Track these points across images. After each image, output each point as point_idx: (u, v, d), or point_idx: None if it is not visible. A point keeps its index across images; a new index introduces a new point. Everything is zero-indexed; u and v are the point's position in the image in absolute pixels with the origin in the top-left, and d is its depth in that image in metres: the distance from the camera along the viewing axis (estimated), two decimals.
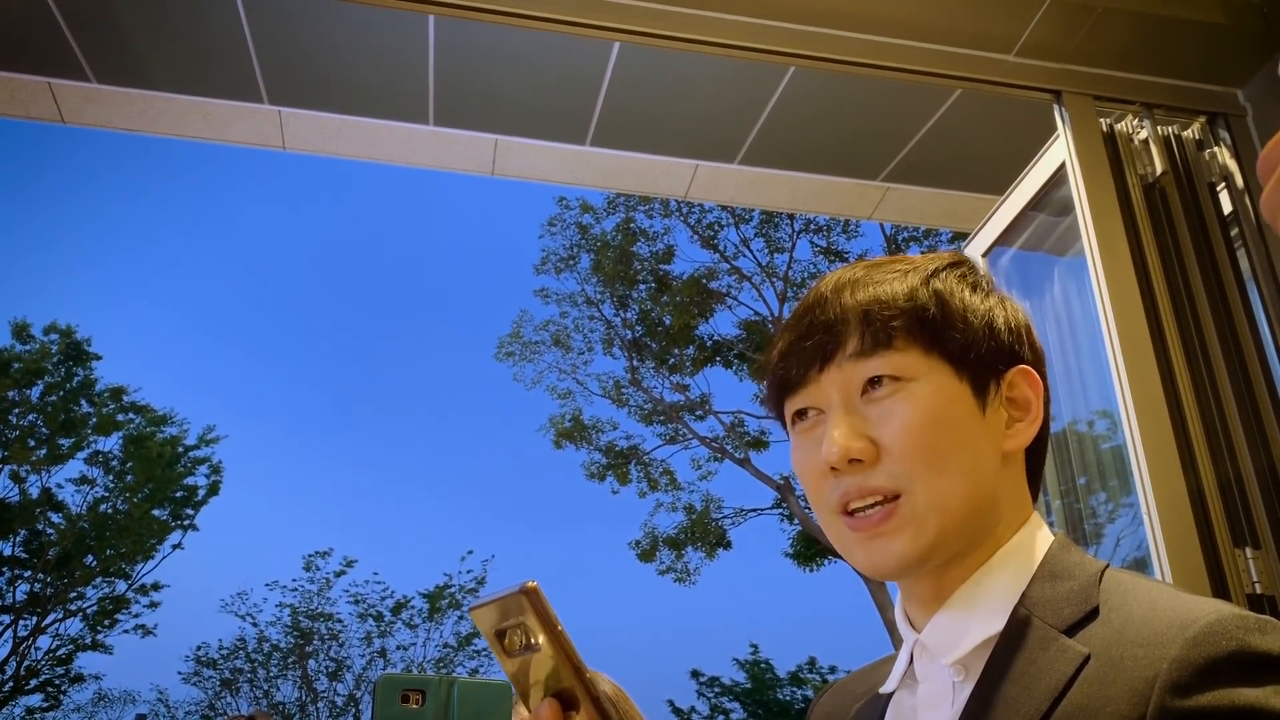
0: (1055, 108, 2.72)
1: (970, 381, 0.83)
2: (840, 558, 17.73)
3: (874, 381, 0.81)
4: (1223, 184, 2.69)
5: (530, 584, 0.69)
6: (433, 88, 3.09)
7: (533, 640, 0.70)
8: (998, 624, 0.78)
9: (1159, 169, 2.61)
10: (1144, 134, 2.68)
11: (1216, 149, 2.73)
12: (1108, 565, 0.80)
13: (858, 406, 0.82)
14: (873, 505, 0.80)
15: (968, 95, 3.09)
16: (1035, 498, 0.89)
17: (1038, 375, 0.87)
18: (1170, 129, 2.74)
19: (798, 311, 0.89)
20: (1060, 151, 2.67)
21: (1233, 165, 2.69)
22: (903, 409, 0.80)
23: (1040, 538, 0.84)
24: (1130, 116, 2.73)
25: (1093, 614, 0.74)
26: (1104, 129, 2.68)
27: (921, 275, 0.86)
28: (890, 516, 0.79)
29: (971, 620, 0.80)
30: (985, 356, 0.84)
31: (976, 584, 0.81)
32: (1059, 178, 2.71)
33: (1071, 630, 0.74)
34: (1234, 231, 2.63)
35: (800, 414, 0.86)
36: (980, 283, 0.89)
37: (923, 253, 0.94)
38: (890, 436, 0.80)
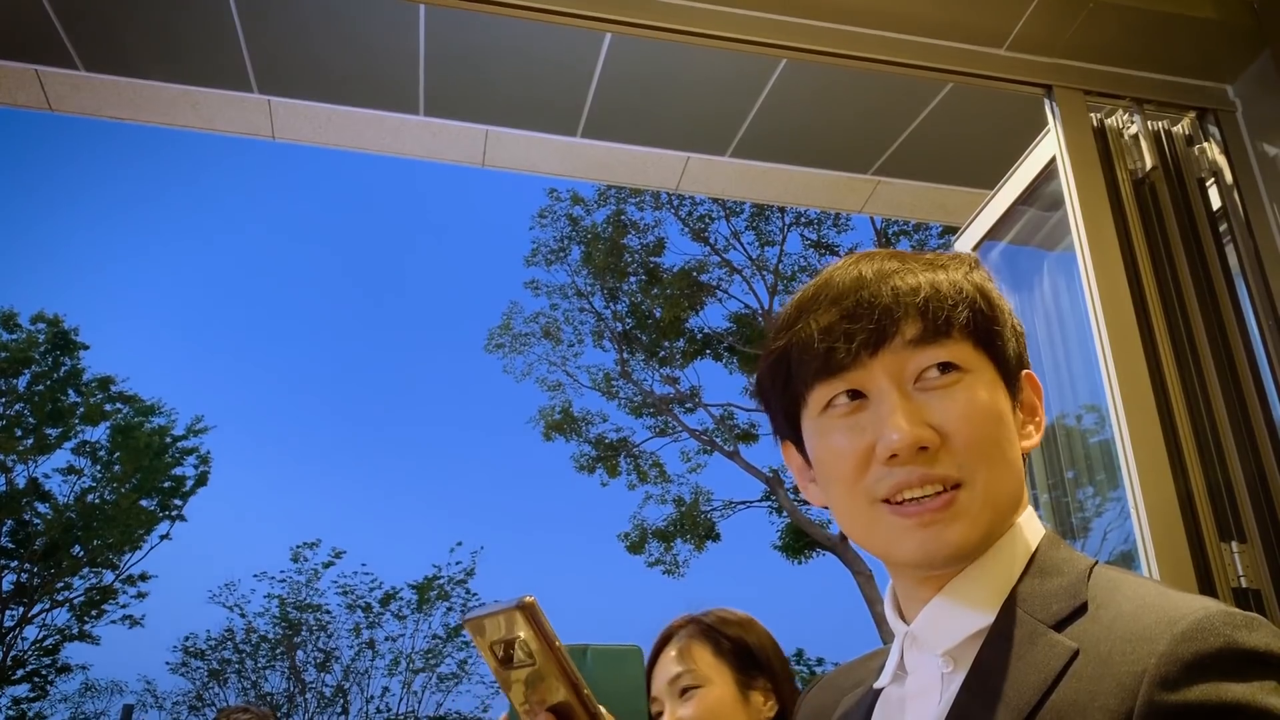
0: (1046, 102, 2.72)
1: (1005, 381, 0.84)
2: (830, 550, 17.76)
3: (936, 369, 0.80)
4: (1212, 179, 2.70)
5: (528, 599, 0.68)
6: (423, 78, 3.08)
7: (529, 655, 0.69)
8: (988, 617, 0.79)
9: (1149, 164, 2.62)
10: (1134, 129, 2.69)
11: (1206, 144, 2.74)
12: (1096, 562, 0.81)
13: (912, 394, 0.80)
14: (933, 494, 0.78)
15: (959, 89, 3.09)
16: None
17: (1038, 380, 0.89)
18: (1160, 124, 2.75)
19: (834, 291, 0.84)
20: (1051, 146, 2.68)
21: (1222, 161, 2.70)
22: (965, 397, 0.80)
23: (1031, 532, 0.85)
24: (1121, 111, 2.73)
25: (1081, 609, 0.74)
26: (1094, 124, 2.68)
27: (961, 271, 0.86)
28: (950, 504, 0.78)
29: (962, 611, 0.80)
30: (1014, 358, 0.86)
31: (968, 576, 0.81)
32: (1049, 172, 2.71)
33: (1060, 625, 0.74)
34: (1223, 227, 2.64)
35: (836, 399, 0.83)
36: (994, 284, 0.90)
37: (912, 248, 0.94)
38: (955, 425, 0.79)
